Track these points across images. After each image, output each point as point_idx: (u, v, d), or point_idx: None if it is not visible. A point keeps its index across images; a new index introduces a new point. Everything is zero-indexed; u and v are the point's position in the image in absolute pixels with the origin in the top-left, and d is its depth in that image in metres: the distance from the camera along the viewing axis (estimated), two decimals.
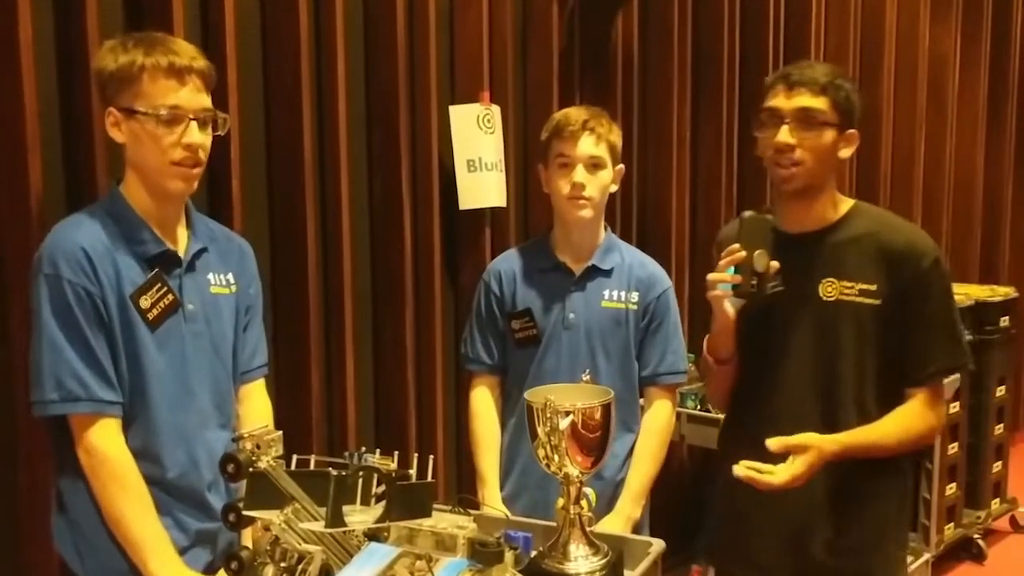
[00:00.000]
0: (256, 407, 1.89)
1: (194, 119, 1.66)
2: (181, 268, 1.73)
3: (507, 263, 2.30)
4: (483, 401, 2.28)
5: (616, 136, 2.19)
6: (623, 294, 2.21)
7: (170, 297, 1.70)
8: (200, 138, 1.67)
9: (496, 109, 2.82)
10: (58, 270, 1.60)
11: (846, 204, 1.92)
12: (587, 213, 2.16)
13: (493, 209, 2.86)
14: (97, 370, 1.62)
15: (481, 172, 2.77)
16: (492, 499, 2.17)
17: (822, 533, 1.88)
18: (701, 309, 3.74)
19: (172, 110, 1.64)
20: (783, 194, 1.88)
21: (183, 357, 1.71)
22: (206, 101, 1.69)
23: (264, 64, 2.35)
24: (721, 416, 3.12)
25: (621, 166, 2.22)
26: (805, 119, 1.80)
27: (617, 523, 2.11)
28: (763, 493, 1.74)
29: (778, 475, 1.70)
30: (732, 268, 1.81)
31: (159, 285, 1.68)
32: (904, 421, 1.83)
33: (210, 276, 1.79)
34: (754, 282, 1.80)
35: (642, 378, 2.23)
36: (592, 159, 2.13)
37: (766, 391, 1.90)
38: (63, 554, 1.71)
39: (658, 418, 2.21)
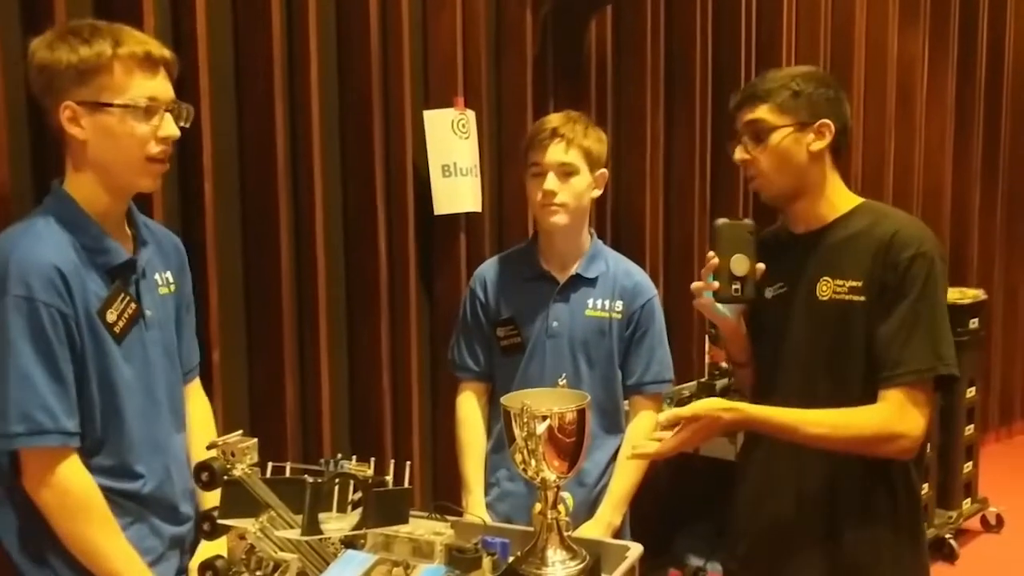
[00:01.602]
0: (200, 407, 1.87)
1: (168, 110, 1.59)
2: (137, 273, 1.65)
3: (493, 270, 2.29)
4: (469, 408, 2.27)
5: (594, 140, 2.16)
6: (607, 303, 2.21)
7: (133, 307, 1.62)
8: (175, 131, 1.61)
9: (471, 114, 2.82)
10: (31, 291, 1.49)
11: (852, 202, 1.86)
12: (560, 219, 2.14)
13: (468, 214, 2.86)
14: (63, 399, 1.52)
15: (456, 177, 2.77)
16: (476, 507, 2.17)
17: (822, 550, 1.83)
18: (676, 314, 3.78)
19: (150, 101, 1.56)
20: (764, 200, 1.88)
21: (147, 366, 1.65)
22: (172, 92, 1.62)
23: (236, 70, 2.34)
24: None
25: (603, 171, 2.20)
26: (753, 132, 1.81)
27: (597, 530, 2.11)
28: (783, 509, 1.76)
29: (663, 446, 1.71)
30: (712, 276, 1.82)
31: (122, 296, 1.60)
32: (846, 414, 1.71)
33: (156, 277, 1.71)
34: (736, 286, 1.80)
35: (627, 387, 2.23)
36: (563, 166, 2.12)
37: (773, 395, 1.85)
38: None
39: (643, 427, 2.21)
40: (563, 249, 2.22)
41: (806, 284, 1.83)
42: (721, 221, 1.87)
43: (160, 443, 1.66)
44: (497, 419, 2.25)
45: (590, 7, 3.31)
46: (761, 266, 1.81)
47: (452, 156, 2.76)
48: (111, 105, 1.54)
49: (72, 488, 1.53)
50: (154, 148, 1.59)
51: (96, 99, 1.54)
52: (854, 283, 1.77)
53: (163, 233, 1.80)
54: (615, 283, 2.22)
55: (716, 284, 1.82)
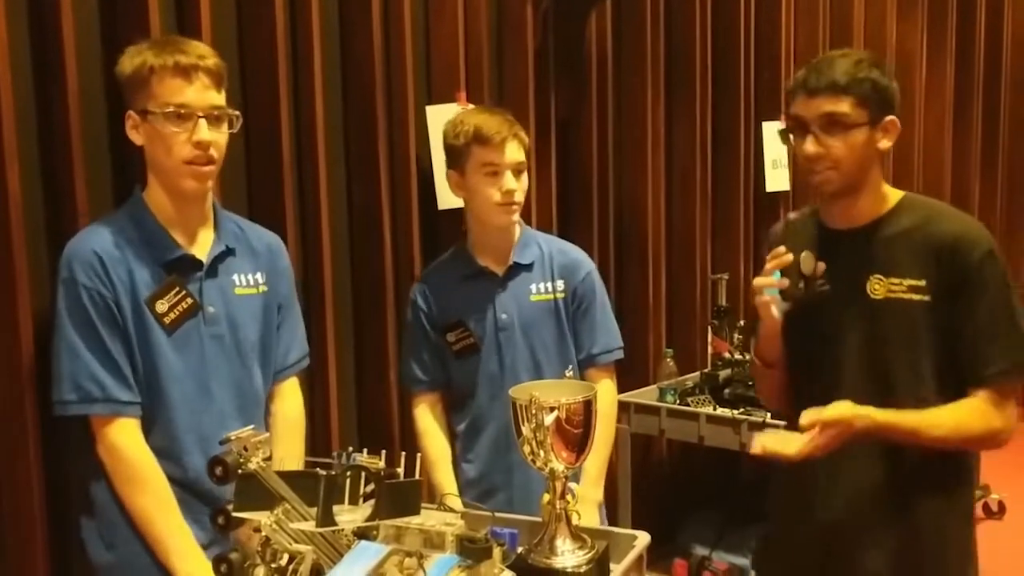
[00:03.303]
0: (285, 405, 1.94)
1: (203, 117, 1.68)
2: (202, 271, 1.76)
3: (430, 278, 2.31)
4: (426, 419, 2.28)
5: (526, 136, 2.22)
6: (549, 285, 2.23)
7: (189, 301, 1.73)
8: (210, 135, 1.70)
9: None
10: (73, 274, 1.66)
11: (895, 196, 1.82)
12: (516, 217, 2.21)
13: None
14: (114, 371, 1.66)
15: None
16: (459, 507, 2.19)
17: (877, 547, 1.81)
18: (679, 304, 3.80)
19: (179, 108, 1.66)
20: (822, 195, 1.82)
21: (202, 359, 1.74)
22: (216, 99, 1.72)
23: (241, 68, 2.35)
24: (701, 410, 3.20)
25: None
26: (830, 124, 1.72)
27: (582, 508, 2.12)
28: (818, 506, 1.76)
29: (793, 445, 1.66)
30: (777, 272, 1.77)
31: (176, 289, 1.72)
32: (959, 414, 1.72)
33: (235, 277, 1.81)
34: (801, 284, 1.76)
35: (580, 361, 2.26)
36: (518, 165, 2.17)
37: (819, 395, 1.78)
38: (90, 552, 1.74)
39: (602, 400, 2.23)
40: (499, 243, 2.24)
41: (853, 282, 1.79)
42: (793, 215, 1.85)
43: (208, 436, 1.71)
44: (462, 419, 2.27)
45: (590, 0, 3.32)
46: (822, 265, 1.77)
47: None
48: (152, 112, 1.67)
49: (126, 455, 1.67)
50: (188, 152, 1.68)
51: (144, 107, 1.68)
52: (913, 282, 1.74)
53: (258, 236, 1.91)
54: (552, 263, 2.25)
55: (785, 281, 1.76)
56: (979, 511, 4.36)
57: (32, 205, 1.89)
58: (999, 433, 1.75)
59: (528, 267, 2.23)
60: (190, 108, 1.68)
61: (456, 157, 2.20)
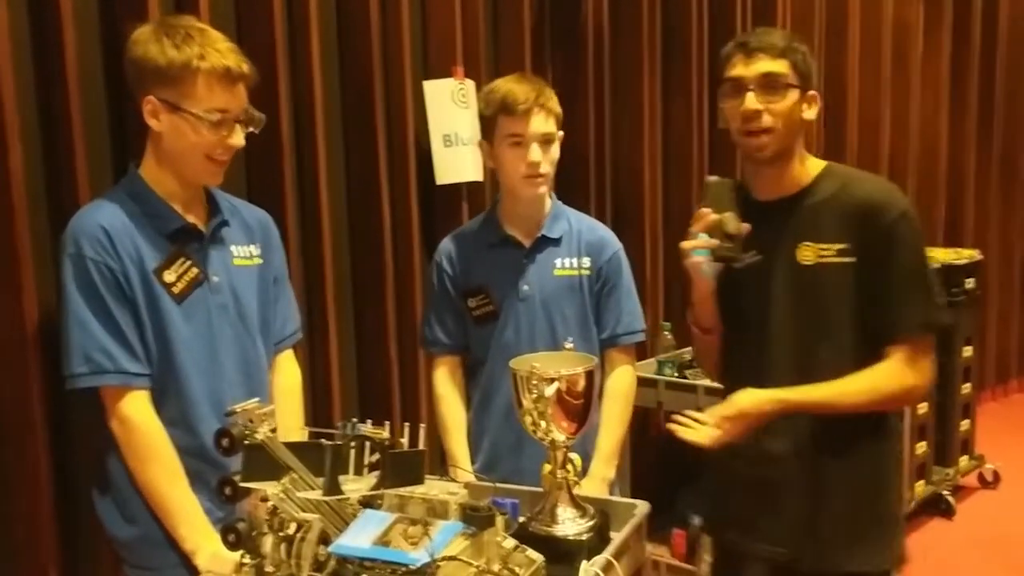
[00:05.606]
0: (283, 376, 1.97)
1: (237, 121, 1.73)
2: (203, 241, 1.79)
3: (457, 242, 2.28)
4: (446, 384, 2.27)
5: (557, 105, 2.17)
6: (575, 261, 2.22)
7: (194, 270, 1.75)
8: (241, 142, 1.75)
9: (470, 83, 2.84)
10: (80, 249, 1.67)
11: (817, 166, 1.89)
12: (543, 190, 2.17)
13: (469, 184, 2.88)
14: (123, 343, 1.68)
15: (457, 147, 2.79)
16: (464, 479, 2.20)
17: (810, 498, 1.86)
18: (676, 277, 3.81)
19: (222, 114, 1.69)
20: (756, 162, 1.86)
21: (209, 327, 1.77)
22: (246, 102, 1.75)
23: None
24: (699, 383, 3.23)
25: (561, 132, 2.20)
26: (768, 84, 1.77)
27: (593, 485, 2.15)
28: (755, 462, 1.78)
29: (705, 433, 1.72)
30: (704, 235, 1.80)
31: (182, 259, 1.74)
32: (867, 380, 1.78)
33: (232, 248, 1.84)
34: (728, 245, 1.78)
35: (601, 341, 2.25)
36: (545, 136, 2.13)
37: (749, 361, 1.88)
38: (108, 527, 1.77)
39: (621, 381, 2.25)
40: (528, 214, 2.22)
41: (783, 251, 1.83)
42: (711, 178, 1.85)
43: (223, 402, 1.72)
44: (474, 388, 2.28)
45: None
46: (747, 226, 1.80)
47: (453, 126, 2.78)
48: (188, 112, 1.67)
49: (137, 427, 1.69)
50: (218, 154, 1.73)
51: (176, 103, 1.68)
52: (841, 245, 1.79)
53: (250, 211, 1.94)
54: (580, 240, 2.23)
55: (714, 241, 1.79)
56: (974, 481, 4.41)
57: (34, 183, 1.90)
58: (914, 389, 1.82)
59: (556, 241, 2.22)
60: (230, 114, 1.71)
61: (486, 127, 2.17)
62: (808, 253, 1.82)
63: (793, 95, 1.80)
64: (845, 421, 1.81)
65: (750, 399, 1.75)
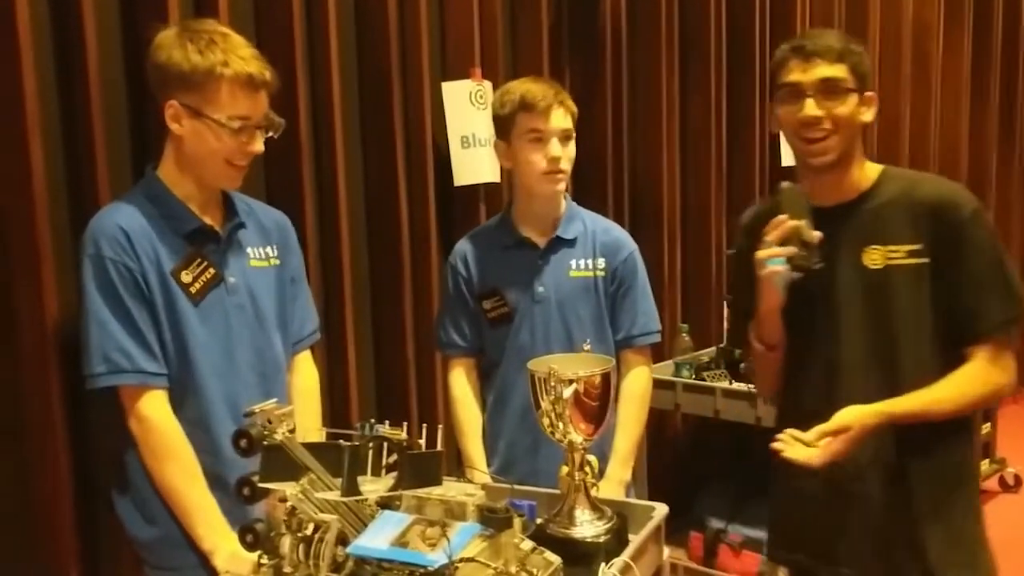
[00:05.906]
0: (301, 376, 1.98)
1: (258, 128, 1.74)
2: (220, 243, 1.80)
3: (471, 244, 2.28)
4: (462, 386, 2.27)
5: (573, 104, 2.19)
6: (590, 262, 2.22)
7: (211, 271, 1.77)
8: (261, 148, 1.76)
9: (488, 85, 2.84)
10: (100, 250, 1.69)
11: (875, 169, 1.84)
12: (562, 187, 2.18)
13: (487, 185, 2.88)
14: (141, 343, 1.69)
15: (475, 148, 2.79)
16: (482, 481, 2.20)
17: (895, 511, 1.80)
18: (694, 279, 3.81)
19: (243, 121, 1.71)
20: (815, 168, 1.79)
21: (227, 328, 1.78)
22: (267, 107, 1.76)
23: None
24: (717, 385, 3.21)
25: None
26: (827, 89, 1.73)
27: (609, 487, 2.14)
28: (827, 487, 1.75)
29: (816, 454, 1.64)
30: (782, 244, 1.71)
31: (199, 260, 1.75)
32: (960, 384, 1.73)
33: (249, 250, 1.85)
34: (804, 254, 1.71)
35: (616, 342, 2.24)
36: (565, 131, 2.14)
37: (820, 372, 1.80)
38: (128, 527, 1.79)
39: (637, 382, 2.24)
40: (544, 214, 2.22)
41: (847, 256, 1.79)
42: (786, 184, 1.78)
43: (239, 404, 1.74)
44: (489, 390, 2.28)
45: None
46: (819, 234, 1.73)
47: (470, 127, 2.79)
48: (210, 118, 1.69)
49: (155, 426, 1.71)
50: (239, 159, 1.74)
51: (199, 108, 1.69)
52: (912, 247, 1.75)
53: (266, 212, 1.96)
54: (595, 241, 2.23)
55: (792, 250, 1.70)
56: (995, 484, 4.37)
57: (54, 184, 1.91)
58: (1002, 388, 1.79)
59: (571, 242, 2.22)
60: (252, 121, 1.73)
61: (503, 126, 2.18)
62: (876, 256, 1.77)
63: (852, 99, 1.75)
64: (927, 425, 1.75)
65: (853, 414, 1.68)
